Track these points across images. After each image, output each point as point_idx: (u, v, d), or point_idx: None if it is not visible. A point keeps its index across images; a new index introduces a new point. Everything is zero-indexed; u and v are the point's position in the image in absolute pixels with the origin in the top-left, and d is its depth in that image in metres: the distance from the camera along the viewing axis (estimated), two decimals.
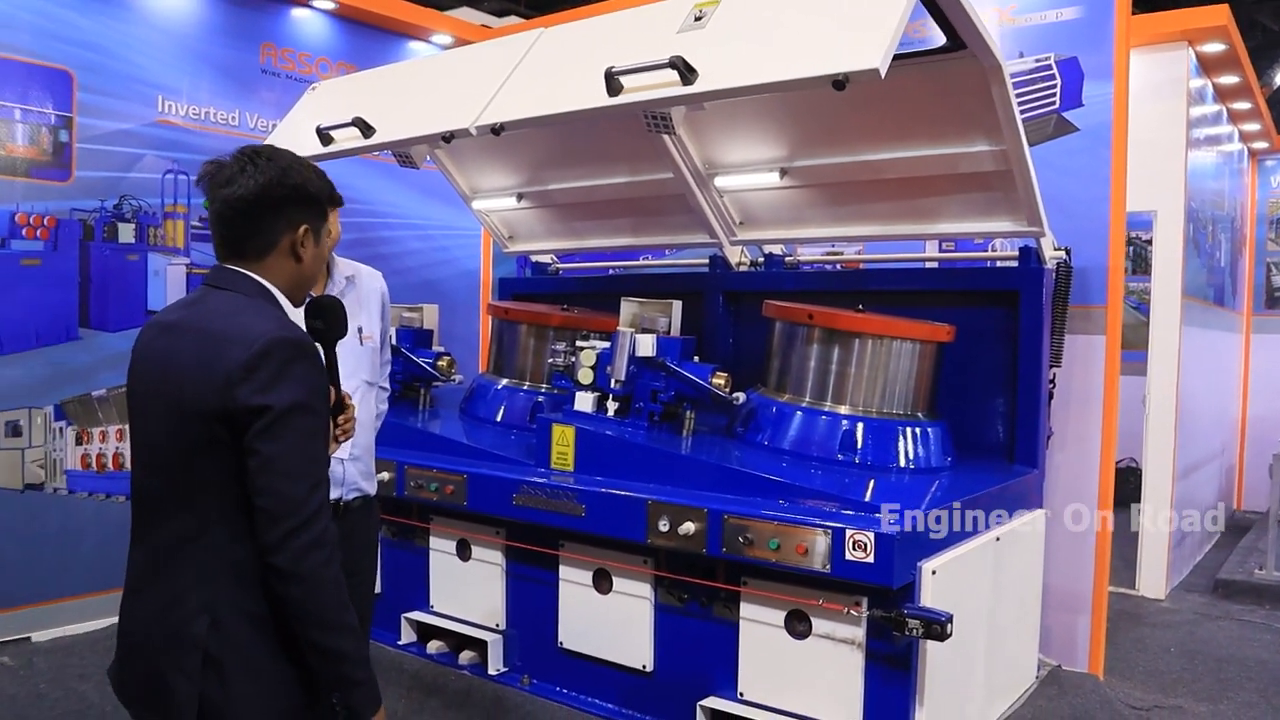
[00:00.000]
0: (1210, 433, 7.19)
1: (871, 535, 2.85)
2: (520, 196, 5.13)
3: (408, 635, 4.22)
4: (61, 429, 4.73)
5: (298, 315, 2.03)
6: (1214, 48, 5.97)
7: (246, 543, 1.80)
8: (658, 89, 3.06)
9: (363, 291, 2.99)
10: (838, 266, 4.91)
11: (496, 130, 3.52)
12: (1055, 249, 3.99)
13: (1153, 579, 5.83)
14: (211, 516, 1.81)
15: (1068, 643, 4.25)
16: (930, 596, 2.94)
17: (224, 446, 1.78)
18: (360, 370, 2.86)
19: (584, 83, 3.27)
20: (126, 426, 4.85)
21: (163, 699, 1.81)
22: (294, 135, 4.41)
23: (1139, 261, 7.61)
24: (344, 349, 2.64)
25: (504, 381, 4.69)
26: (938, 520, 3.09)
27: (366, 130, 4.01)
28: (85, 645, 4.53)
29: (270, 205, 1.92)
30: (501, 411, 4.58)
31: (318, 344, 2.05)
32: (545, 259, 5.63)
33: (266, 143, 2.48)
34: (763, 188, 4.31)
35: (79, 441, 4.79)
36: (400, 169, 4.34)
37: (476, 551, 4.01)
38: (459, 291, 6.52)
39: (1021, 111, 4.35)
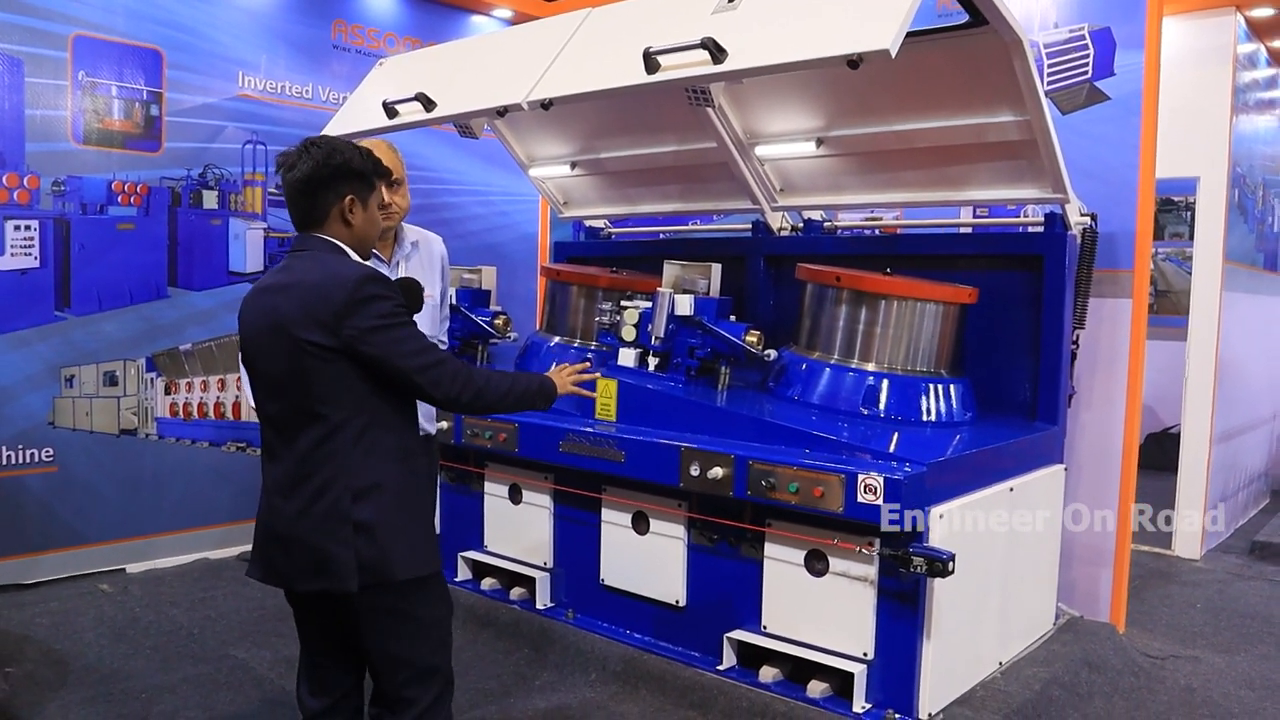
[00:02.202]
0: (1259, 399, 7.22)
1: (881, 479, 3.09)
2: (574, 165, 5.40)
3: (463, 573, 4.58)
4: (152, 379, 5.17)
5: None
6: (1264, 12, 5.98)
7: (375, 430, 2.32)
8: (690, 68, 3.30)
9: (425, 255, 3.30)
10: (876, 232, 5.10)
11: (546, 105, 3.79)
12: (1082, 215, 4.14)
13: (1188, 540, 5.95)
14: (337, 422, 2.30)
15: (1090, 595, 4.44)
16: (938, 538, 3.18)
17: (340, 367, 2.27)
18: (423, 326, 3.16)
19: (626, 61, 3.52)
20: (210, 378, 5.32)
21: (327, 567, 2.29)
22: (363, 108, 4.73)
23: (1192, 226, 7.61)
24: None
25: (555, 339, 4.99)
26: (949, 468, 3.32)
27: (428, 104, 4.30)
28: (174, 576, 5.00)
29: (320, 182, 2.38)
30: (553, 367, 4.87)
31: None
32: (598, 224, 5.91)
33: (340, 117, 2.84)
34: (801, 156, 4.52)
35: (168, 391, 5.23)
36: (462, 139, 4.65)
37: (526, 495, 4.33)
38: (518, 254, 6.84)
39: (1054, 81, 4.55)
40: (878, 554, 3.23)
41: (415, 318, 3.12)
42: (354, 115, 4.76)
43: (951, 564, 3.04)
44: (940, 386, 3.89)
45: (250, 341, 2.40)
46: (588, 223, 5.92)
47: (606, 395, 4.07)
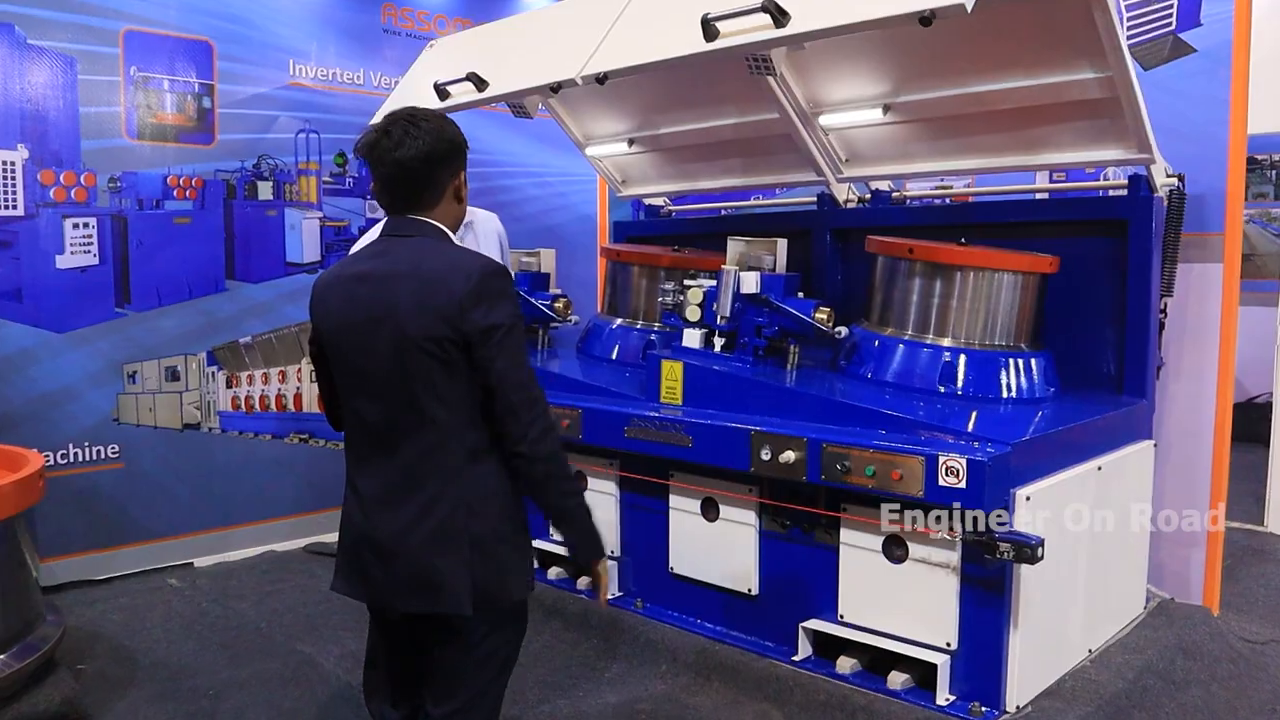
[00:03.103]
0: None
1: (964, 460, 2.93)
2: (631, 142, 5.27)
3: None
4: (213, 373, 5.16)
5: None
6: None
7: (485, 441, 2.14)
8: (752, 33, 3.16)
9: (480, 233, 3.21)
10: (947, 201, 4.89)
11: (601, 80, 3.68)
12: (1168, 176, 3.91)
13: None
14: (452, 426, 2.13)
15: (1181, 576, 4.21)
16: (1024, 523, 3.01)
17: (456, 365, 2.10)
18: None
19: (682, 30, 3.38)
20: (270, 370, 5.30)
21: (439, 586, 2.13)
22: (414, 92, 4.65)
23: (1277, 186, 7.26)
24: None
25: (617, 321, 4.88)
26: (1034, 448, 3.14)
27: (480, 84, 4.21)
28: (242, 569, 5.00)
29: (438, 160, 2.19)
30: (616, 350, 4.78)
31: None
32: (658, 202, 5.77)
33: (391, 101, 2.69)
34: (867, 124, 4.34)
35: (229, 385, 5.22)
36: (516, 119, 4.55)
37: (592, 483, 4.23)
38: (577, 236, 6.72)
39: (1135, 35, 4.30)
40: (961, 539, 3.07)
41: None
42: (406, 99, 4.68)
43: (1040, 550, 2.87)
44: (1021, 361, 3.70)
45: (341, 335, 2.20)
46: (647, 201, 5.79)
47: (672, 378, 3.94)
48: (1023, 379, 3.67)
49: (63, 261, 4.65)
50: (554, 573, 4.41)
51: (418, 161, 2.14)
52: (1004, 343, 3.73)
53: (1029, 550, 2.86)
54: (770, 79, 4.15)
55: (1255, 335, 6.08)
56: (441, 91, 4.34)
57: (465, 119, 5.95)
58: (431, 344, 2.07)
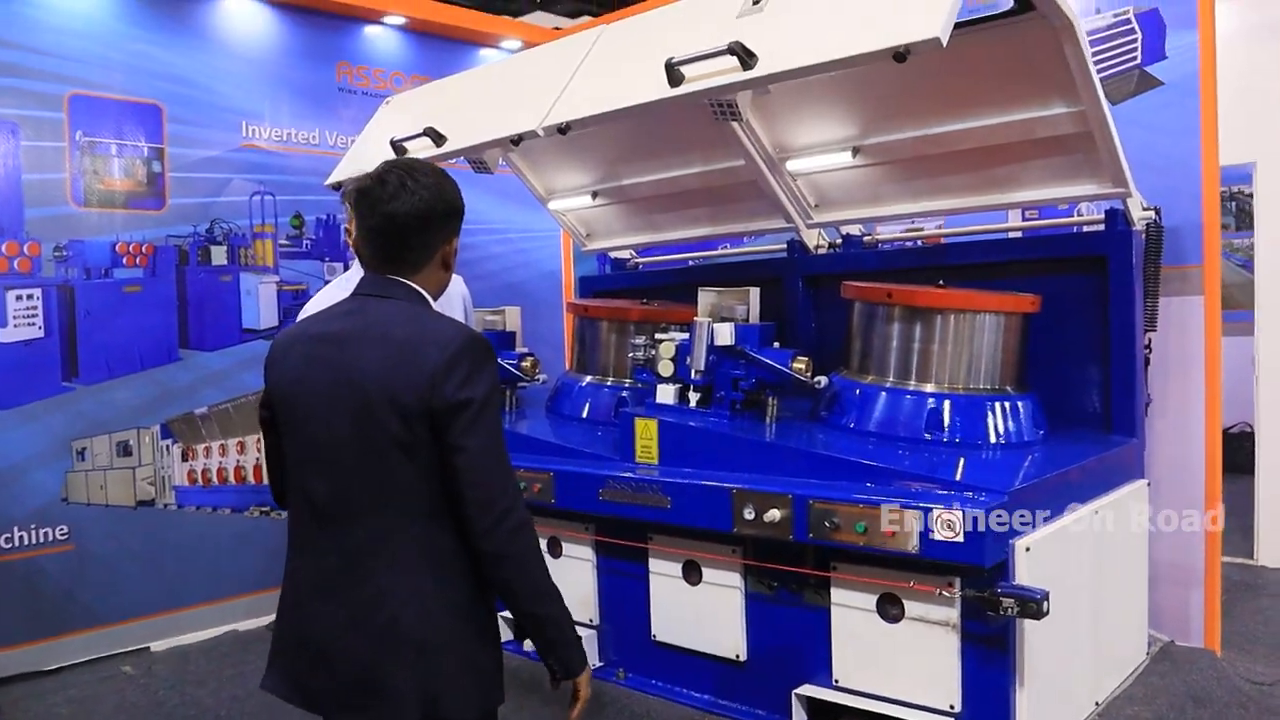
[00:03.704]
0: None
1: (960, 514, 2.79)
2: (595, 194, 5.16)
3: (504, 634, 4.26)
4: (168, 446, 4.94)
5: None
6: None
7: (445, 534, 1.90)
8: (718, 76, 3.05)
9: (444, 296, 3.04)
10: (919, 243, 4.81)
11: (563, 130, 3.56)
12: (1144, 209, 3.85)
13: (1273, 547, 5.56)
14: (409, 512, 1.89)
15: (1180, 618, 4.09)
16: (1025, 574, 2.87)
17: (422, 444, 1.87)
18: None
19: (646, 76, 3.28)
20: (228, 441, 5.08)
21: (380, 695, 1.88)
22: (370, 149, 4.52)
23: (1242, 217, 7.27)
24: None
25: (587, 378, 4.72)
26: (1030, 495, 3.01)
27: (438, 139, 4.09)
28: (200, 652, 4.74)
29: (434, 220, 2.00)
30: (586, 408, 4.61)
31: None
32: (624, 254, 5.66)
33: (347, 160, 2.49)
34: (835, 168, 4.25)
35: (185, 458, 4.99)
36: (476, 175, 4.41)
37: (567, 548, 4.05)
38: (541, 292, 6.59)
39: (1101, 70, 4.25)
40: (960, 595, 2.91)
41: None
42: (362, 157, 4.55)
43: (1046, 604, 2.73)
44: (1007, 404, 3.58)
45: (296, 400, 1.98)
46: (613, 254, 5.68)
47: (647, 436, 3.79)
48: (1011, 423, 3.55)
49: (5, 335, 4.43)
50: (530, 644, 4.19)
51: (411, 218, 1.96)
52: (989, 386, 3.61)
53: (1034, 605, 2.71)
54: (736, 125, 4.08)
55: (1226, 366, 6.04)
56: (398, 148, 4.21)
57: None
58: (395, 418, 1.85)
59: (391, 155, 4.24)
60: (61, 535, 4.59)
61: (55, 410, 4.57)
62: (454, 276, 3.20)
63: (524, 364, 4.68)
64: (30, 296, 4.50)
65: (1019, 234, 4.46)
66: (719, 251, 5.84)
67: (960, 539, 2.78)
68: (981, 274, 4.06)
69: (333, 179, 4.60)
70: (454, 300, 3.08)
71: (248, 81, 5.22)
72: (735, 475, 3.43)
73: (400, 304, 1.98)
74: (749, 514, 3.24)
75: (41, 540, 4.54)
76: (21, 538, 4.48)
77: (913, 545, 2.88)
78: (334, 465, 1.94)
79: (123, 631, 4.74)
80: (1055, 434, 3.68)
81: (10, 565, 4.43)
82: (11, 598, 4.43)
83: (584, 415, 4.60)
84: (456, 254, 2.09)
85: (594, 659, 3.96)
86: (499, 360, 4.50)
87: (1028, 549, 2.90)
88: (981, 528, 2.76)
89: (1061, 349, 3.90)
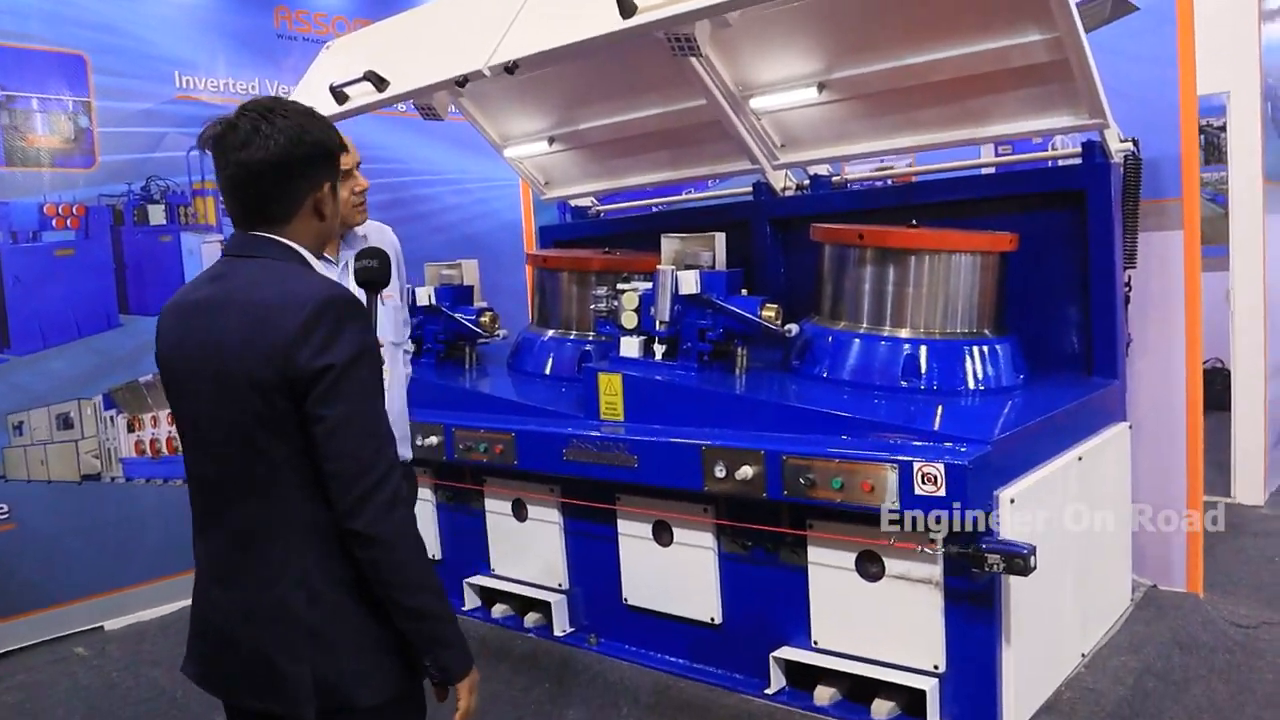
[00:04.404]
0: None
1: (941, 466, 2.64)
2: (552, 140, 4.94)
3: (471, 601, 4.15)
4: (112, 417, 4.70)
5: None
6: None
7: (324, 515, 1.72)
8: (673, 5, 2.84)
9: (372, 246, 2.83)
10: (889, 182, 4.63)
11: (510, 69, 3.34)
12: (1121, 141, 3.67)
13: (1250, 485, 5.51)
14: (289, 491, 1.73)
15: (1162, 561, 4.00)
16: (1010, 527, 2.73)
17: (288, 418, 1.69)
18: (386, 332, 2.71)
19: (597, 8, 3.06)
20: None
21: (272, 683, 1.75)
22: (310, 97, 4.25)
23: (1211, 150, 7.14)
24: None
25: (550, 333, 4.53)
26: (1012, 444, 2.87)
27: (380, 83, 3.85)
28: (156, 630, 4.55)
29: (294, 166, 1.77)
30: (550, 364, 4.43)
31: (364, 288, 2.21)
32: (585, 202, 5.44)
33: (272, 98, 2.28)
34: (801, 105, 4.05)
35: (131, 429, 4.76)
36: (430, 122, 4.17)
37: (533, 511, 3.89)
38: (502, 244, 6.35)
39: None
40: (942, 552, 2.78)
41: (380, 321, 2.69)
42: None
43: (1033, 559, 2.60)
44: (986, 348, 3.44)
45: (172, 373, 1.83)
46: (573, 203, 5.46)
47: (611, 392, 3.62)
48: (990, 368, 3.40)
49: None
50: (498, 610, 4.06)
51: (266, 165, 1.73)
52: (967, 330, 3.46)
53: (1020, 560, 2.58)
54: (695, 61, 3.87)
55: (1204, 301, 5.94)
56: (339, 94, 3.97)
57: (372, 124, 5.57)
58: (256, 392, 1.68)
59: (333, 103, 4.00)
60: (1, 514, 4.37)
61: None
62: (383, 227, 3.01)
63: (483, 319, 4.48)
64: None
65: (993, 170, 4.30)
66: (684, 196, 5.66)
67: (942, 493, 2.64)
68: (955, 212, 3.90)
69: None
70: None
71: (178, 29, 4.92)
72: (705, 431, 3.28)
73: (266, 264, 1.78)
74: (720, 472, 3.09)
75: None
76: None
77: (893, 501, 2.73)
78: (211, 444, 1.79)
79: (74, 611, 4.55)
80: (1036, 378, 3.55)
81: None
82: None
83: (547, 372, 4.41)
84: (334, 199, 1.87)
85: (565, 625, 3.82)
86: (457, 315, 4.40)
87: (1012, 500, 2.76)
88: (965, 480, 2.62)
89: (1040, 289, 3.75)
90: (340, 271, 2.63)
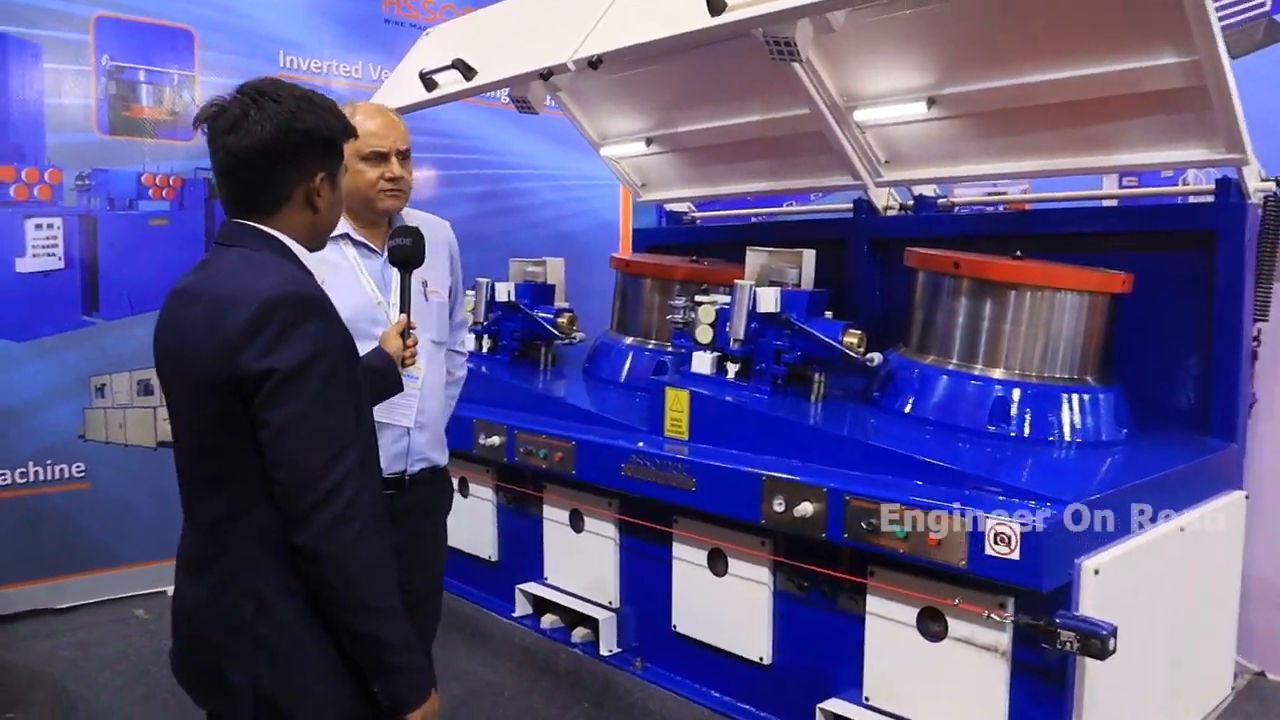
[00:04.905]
0: None
1: (1017, 526, 2.39)
2: (649, 141, 4.79)
3: (522, 607, 4.02)
4: None
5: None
6: None
7: (278, 523, 1.63)
8: (763, 4, 2.65)
9: (428, 243, 2.71)
10: (1001, 208, 4.33)
11: (594, 63, 3.20)
12: (1263, 180, 3.32)
13: None
14: (247, 494, 1.64)
15: (1274, 645, 3.62)
16: (1091, 602, 2.46)
17: (243, 418, 1.60)
18: (426, 328, 2.59)
19: (686, 6, 2.89)
20: None
21: (218, 687, 1.68)
22: (402, 84, 4.21)
23: None
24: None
25: (628, 340, 4.39)
26: (1104, 506, 2.58)
27: (468, 72, 3.75)
28: None
29: (281, 154, 1.68)
30: (625, 373, 4.28)
31: (397, 268, 2.31)
32: (681, 208, 5.28)
33: (380, 95, 2.17)
34: (909, 120, 3.80)
35: None
36: (533, 117, 4.07)
37: (589, 523, 3.74)
38: (597, 245, 6.22)
39: (1223, 15, 3.71)
40: (1012, 621, 2.52)
41: (419, 316, 2.58)
42: (394, 91, 4.25)
43: (1113, 641, 2.32)
44: (1086, 396, 3.14)
45: (158, 362, 1.78)
46: (669, 207, 5.30)
47: (677, 408, 3.44)
48: (1089, 418, 3.11)
49: (23, 265, 4.26)
50: (548, 620, 3.92)
51: (252, 153, 1.65)
52: (1067, 375, 3.17)
53: (1098, 642, 2.31)
54: (798, 68, 3.67)
55: None
56: (428, 82, 3.89)
57: (473, 116, 5.51)
58: (213, 390, 1.60)
59: (422, 89, 3.93)
60: (78, 473, 4.44)
61: (74, 345, 4.40)
62: (441, 222, 2.89)
63: (560, 320, 4.36)
64: (50, 226, 4.31)
65: (1114, 202, 3.96)
66: (784, 209, 5.45)
67: (1016, 555, 2.39)
68: (1068, 246, 3.61)
69: None
70: (439, 249, 2.71)
71: (286, 8, 4.94)
72: (768, 460, 3.07)
73: (244, 254, 1.69)
74: (779, 505, 2.88)
75: (57, 477, 4.40)
76: (37, 473, 4.35)
77: (960, 558, 2.49)
78: (182, 436, 1.75)
79: (139, 573, 4.59)
80: (1141, 433, 3.23)
81: (24, 500, 4.31)
82: (24, 533, 4.31)
83: (621, 380, 4.27)
84: (330, 190, 1.76)
85: (612, 644, 3.67)
86: (535, 314, 4.28)
87: (1096, 571, 2.48)
88: (1042, 545, 2.36)
89: (1155, 336, 3.43)
90: (383, 264, 2.52)
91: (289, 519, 1.59)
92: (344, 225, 2.58)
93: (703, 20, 2.82)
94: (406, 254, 2.34)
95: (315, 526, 1.57)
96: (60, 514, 4.41)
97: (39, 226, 4.28)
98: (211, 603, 1.68)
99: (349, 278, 2.56)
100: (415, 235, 2.36)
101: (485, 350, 4.54)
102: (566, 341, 4.42)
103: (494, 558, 4.20)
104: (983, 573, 2.45)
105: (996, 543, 2.42)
